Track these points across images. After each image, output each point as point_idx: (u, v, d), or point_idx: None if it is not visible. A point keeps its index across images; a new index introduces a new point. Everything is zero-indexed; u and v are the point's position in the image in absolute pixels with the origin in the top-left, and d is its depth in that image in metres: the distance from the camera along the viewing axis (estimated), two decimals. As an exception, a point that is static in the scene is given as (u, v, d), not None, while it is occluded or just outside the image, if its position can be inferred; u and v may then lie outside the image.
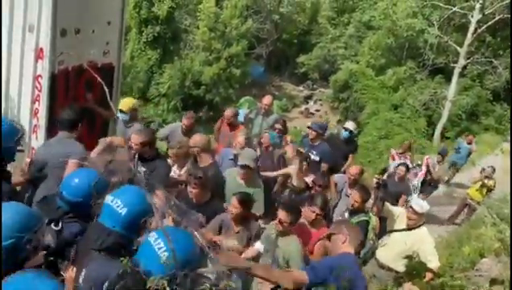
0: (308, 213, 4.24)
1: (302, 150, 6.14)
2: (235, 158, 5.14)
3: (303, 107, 22.47)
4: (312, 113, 21.59)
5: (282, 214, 3.81)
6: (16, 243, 2.09)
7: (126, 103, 5.63)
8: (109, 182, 2.85)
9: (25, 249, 2.14)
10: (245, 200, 4.09)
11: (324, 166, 6.09)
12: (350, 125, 7.12)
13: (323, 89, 23.93)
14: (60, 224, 2.72)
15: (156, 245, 2.04)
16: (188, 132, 5.78)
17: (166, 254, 2.00)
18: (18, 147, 3.33)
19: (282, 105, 20.30)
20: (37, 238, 2.20)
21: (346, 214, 5.11)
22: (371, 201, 5.43)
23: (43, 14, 4.22)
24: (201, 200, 4.16)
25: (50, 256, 2.48)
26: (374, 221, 5.12)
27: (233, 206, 4.03)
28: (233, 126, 6.49)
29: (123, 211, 2.39)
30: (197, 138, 4.86)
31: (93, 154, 4.07)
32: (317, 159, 6.14)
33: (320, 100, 23.35)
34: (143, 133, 4.44)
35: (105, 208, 2.44)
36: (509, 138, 12.92)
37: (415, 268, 4.15)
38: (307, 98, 23.89)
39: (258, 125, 6.95)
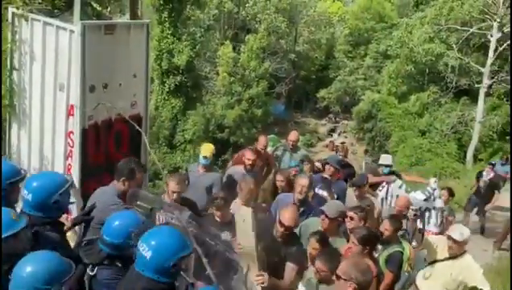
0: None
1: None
2: (300, 203, 4.82)
3: (327, 140, 22.31)
4: (337, 146, 21.39)
5: (318, 263, 3.56)
6: None
7: (208, 148, 5.40)
8: (150, 225, 2.82)
9: None
10: None
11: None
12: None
13: (345, 121, 23.86)
14: (95, 269, 2.69)
15: None
16: (252, 168, 5.51)
17: None
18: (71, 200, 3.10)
19: (306, 141, 20.27)
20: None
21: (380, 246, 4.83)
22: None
23: (72, 73, 4.39)
24: (225, 219, 4.16)
25: None
26: (408, 251, 4.85)
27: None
28: (262, 155, 6.09)
29: (148, 254, 2.36)
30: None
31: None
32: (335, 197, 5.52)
33: (345, 132, 23.23)
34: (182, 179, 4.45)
35: (136, 252, 2.43)
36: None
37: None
38: (331, 131, 23.79)
39: (286, 162, 6.88)
